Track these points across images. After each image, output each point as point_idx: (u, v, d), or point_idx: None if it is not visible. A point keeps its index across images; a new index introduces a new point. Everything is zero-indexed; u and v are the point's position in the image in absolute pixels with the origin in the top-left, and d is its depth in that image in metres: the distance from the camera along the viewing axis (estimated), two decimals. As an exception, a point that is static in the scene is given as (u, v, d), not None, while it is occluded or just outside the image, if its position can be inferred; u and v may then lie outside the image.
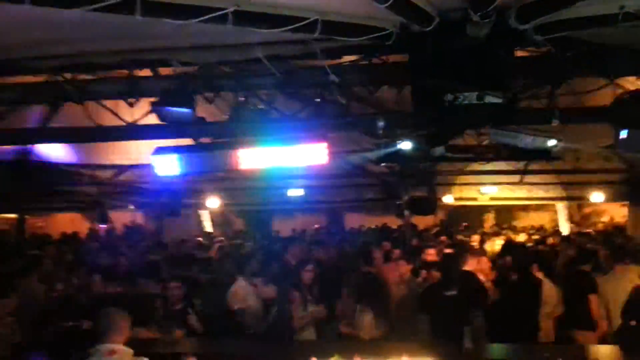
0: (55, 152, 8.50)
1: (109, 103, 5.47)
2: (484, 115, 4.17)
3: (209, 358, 5.05)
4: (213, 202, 13.92)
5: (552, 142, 4.56)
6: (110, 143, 7.75)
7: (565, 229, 15.61)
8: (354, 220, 18.19)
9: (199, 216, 15.89)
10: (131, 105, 4.90)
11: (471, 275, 5.62)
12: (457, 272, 5.26)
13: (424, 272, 6.48)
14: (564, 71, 4.50)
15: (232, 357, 5.06)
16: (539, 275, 6.24)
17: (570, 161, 9.22)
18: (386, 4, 3.22)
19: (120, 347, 3.45)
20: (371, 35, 3.80)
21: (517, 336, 5.48)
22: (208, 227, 16.28)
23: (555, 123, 4.51)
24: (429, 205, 9.89)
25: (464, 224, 15.97)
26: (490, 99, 4.05)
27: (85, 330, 5.06)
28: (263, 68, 4.43)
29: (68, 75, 4.92)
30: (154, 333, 5.23)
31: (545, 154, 4.77)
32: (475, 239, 10.06)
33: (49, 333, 5.19)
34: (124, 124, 5.06)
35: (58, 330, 5.07)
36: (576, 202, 15.54)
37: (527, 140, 4.44)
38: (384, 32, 3.82)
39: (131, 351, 3.50)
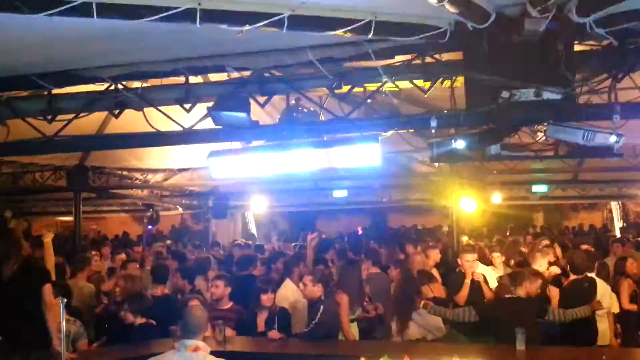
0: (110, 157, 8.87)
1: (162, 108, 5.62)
2: (542, 111, 4.07)
3: (258, 357, 5.12)
4: (258, 203, 14.11)
5: (614, 138, 4.36)
6: (159, 148, 7.95)
7: (618, 228, 15.01)
8: (398, 221, 18.05)
9: (245, 217, 16.14)
10: (187, 110, 5.03)
11: None
12: None
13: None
14: (626, 64, 4.33)
15: (280, 356, 5.09)
16: (592, 275, 6.11)
17: (626, 158, 8.82)
18: (442, 3, 3.19)
19: (203, 344, 3.55)
20: (425, 34, 3.77)
21: (574, 338, 5.34)
22: (253, 228, 16.52)
23: (616, 118, 4.33)
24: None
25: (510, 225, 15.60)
26: (548, 95, 3.95)
27: (150, 325, 5.25)
28: (315, 70, 4.47)
29: (126, 83, 5.10)
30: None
31: (607, 151, 4.58)
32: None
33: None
34: (180, 128, 5.20)
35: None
36: (632, 200, 14.92)
37: (587, 137, 4.27)
38: (438, 31, 3.79)
39: (208, 348, 3.60)
